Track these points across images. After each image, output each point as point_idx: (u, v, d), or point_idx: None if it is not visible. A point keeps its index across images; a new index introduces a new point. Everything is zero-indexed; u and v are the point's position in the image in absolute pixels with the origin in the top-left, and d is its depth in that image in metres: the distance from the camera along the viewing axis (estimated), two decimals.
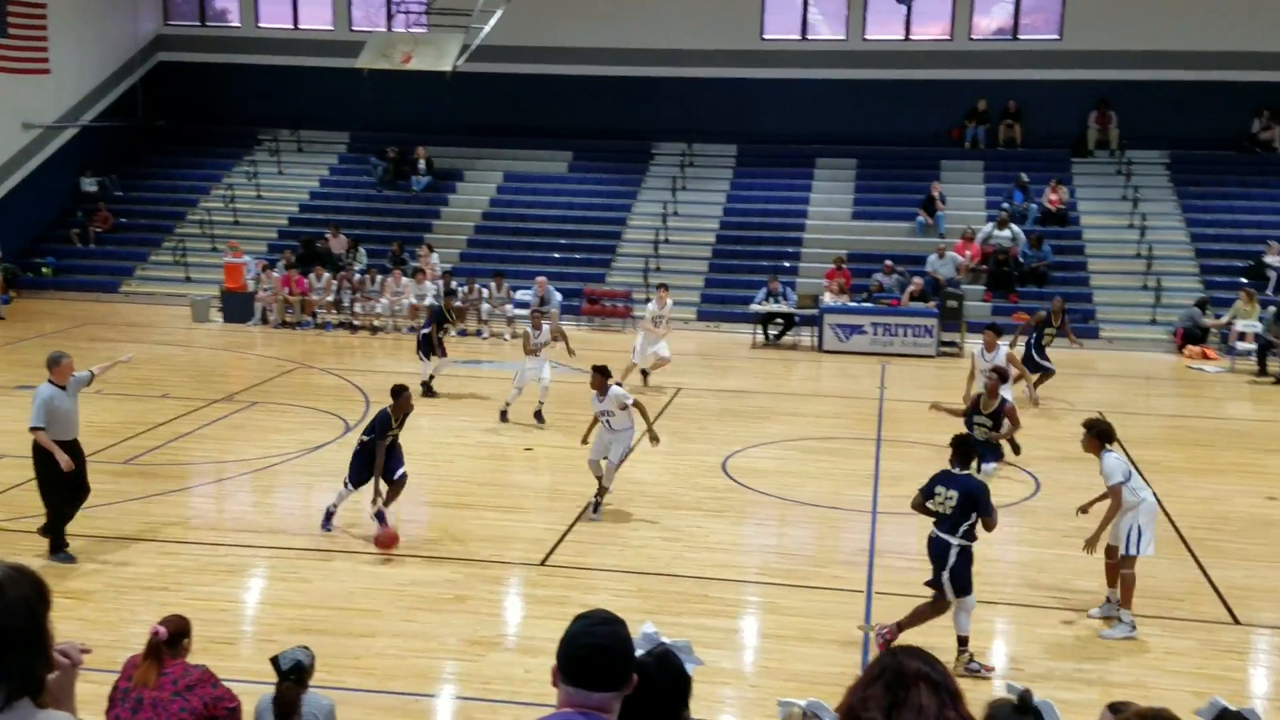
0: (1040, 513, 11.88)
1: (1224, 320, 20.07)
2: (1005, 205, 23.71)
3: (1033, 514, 11.88)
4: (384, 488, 10.65)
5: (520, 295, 21.97)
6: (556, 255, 24.43)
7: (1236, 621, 9.17)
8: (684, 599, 9.44)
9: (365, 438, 10.81)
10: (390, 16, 26.99)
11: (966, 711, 2.05)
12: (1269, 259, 21.49)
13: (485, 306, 21.66)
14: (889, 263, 22.06)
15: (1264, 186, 24.07)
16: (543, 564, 10.22)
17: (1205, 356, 19.90)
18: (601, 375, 11.54)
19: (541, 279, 21.73)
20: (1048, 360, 16.92)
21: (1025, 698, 3.10)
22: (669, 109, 26.85)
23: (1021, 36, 25.97)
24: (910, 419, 15.72)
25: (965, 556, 8.31)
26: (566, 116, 27.10)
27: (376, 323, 21.86)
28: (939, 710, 1.89)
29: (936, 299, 21.04)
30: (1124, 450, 10.95)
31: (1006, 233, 22.81)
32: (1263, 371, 18.88)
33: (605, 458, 11.48)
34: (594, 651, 2.98)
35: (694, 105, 26.76)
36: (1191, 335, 20.32)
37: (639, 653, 3.35)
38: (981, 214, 24.04)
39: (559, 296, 21.77)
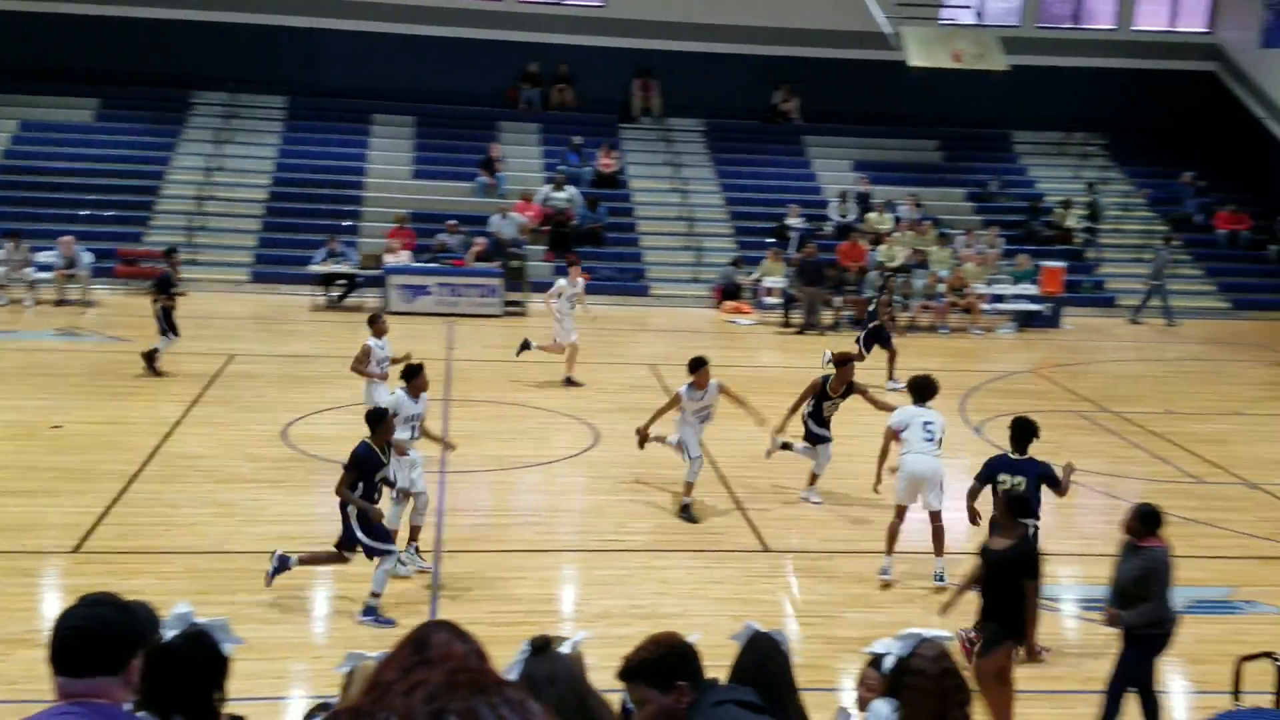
0: (599, 463, 12.77)
1: (754, 277, 22.24)
2: (562, 167, 24.80)
3: (592, 464, 12.75)
4: None
5: (42, 257, 20.17)
6: (84, 213, 22.50)
7: (766, 549, 10.44)
8: (240, 575, 9.11)
9: None
10: None
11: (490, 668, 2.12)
12: (790, 221, 24.00)
13: (1, 269, 19.74)
14: (453, 222, 22.42)
15: (785, 154, 26.78)
16: (77, 550, 9.64)
17: (740, 311, 21.97)
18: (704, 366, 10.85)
19: (67, 238, 20.06)
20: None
21: (538, 642, 3.59)
22: (209, 55, 25.29)
23: (566, 1, 27.00)
24: (478, 378, 16.25)
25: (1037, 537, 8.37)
26: (92, 59, 24.86)
27: None
28: (463, 659, 2.01)
29: (500, 259, 21.69)
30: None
31: (564, 194, 23.89)
32: (787, 323, 21.15)
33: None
34: (70, 635, 2.84)
35: (238, 51, 25.42)
36: (728, 291, 22.35)
37: (170, 634, 3.30)
38: (540, 175, 24.98)
39: (89, 258, 20.23)
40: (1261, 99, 26.01)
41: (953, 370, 17.80)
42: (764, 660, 4.03)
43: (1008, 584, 7.20)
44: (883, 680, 4.29)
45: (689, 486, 11.09)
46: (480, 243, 22.02)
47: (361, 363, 12.11)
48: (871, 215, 24.04)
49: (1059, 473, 8.80)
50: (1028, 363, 18.70)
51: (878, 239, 23.03)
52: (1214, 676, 7.84)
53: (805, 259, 21.10)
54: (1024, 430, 8.79)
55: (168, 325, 15.40)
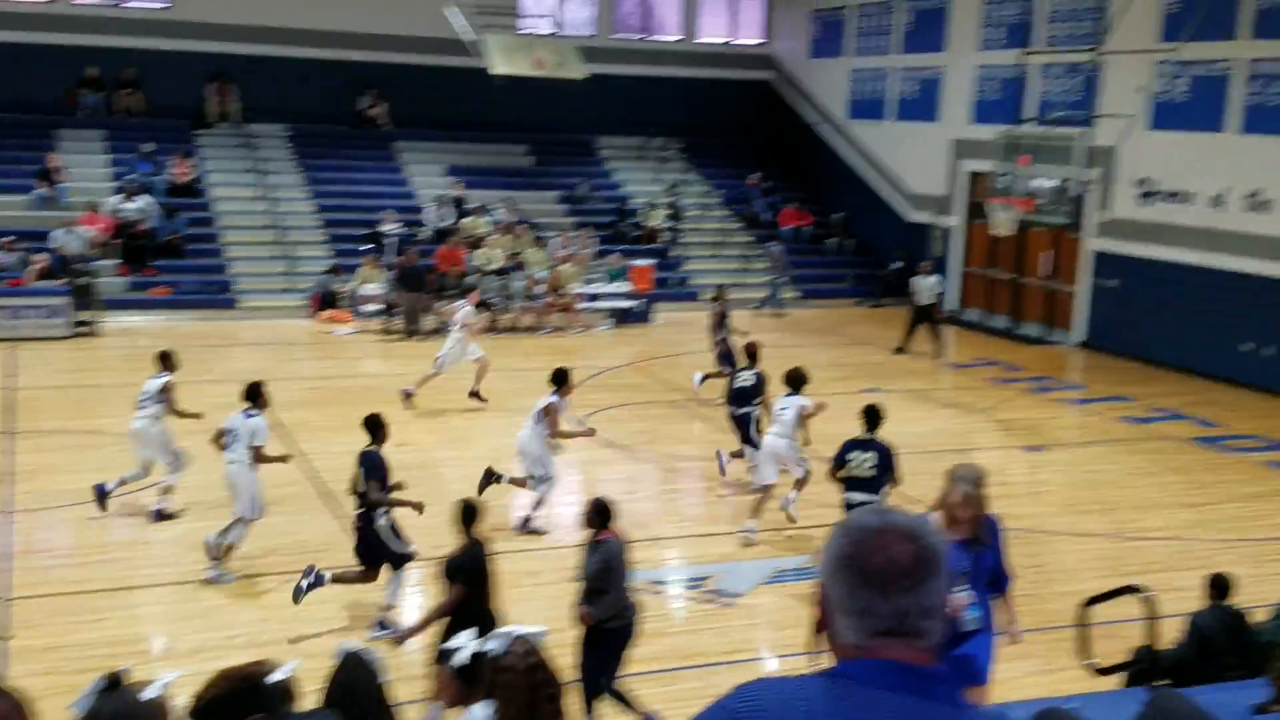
0: (187, 488, 11.94)
1: (352, 285, 21.71)
2: (133, 176, 23.08)
3: (180, 490, 11.91)
4: None
5: None
6: None
7: None
8: None
9: None
10: None
11: None
12: (385, 227, 23.64)
13: None
14: (8, 239, 20.32)
15: (376, 160, 26.37)
16: None
17: (338, 320, 21.40)
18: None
19: None
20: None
21: (108, 678, 3.32)
22: None
23: (130, 4, 25.25)
24: (48, 407, 14.82)
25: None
26: None
27: None
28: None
29: (66, 276, 19.87)
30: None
31: (136, 204, 22.24)
32: (388, 331, 20.83)
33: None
34: None
35: None
36: (325, 300, 21.70)
37: None
38: (108, 185, 23.14)
39: None
40: (811, 104, 28.57)
41: (555, 368, 18.26)
42: (353, 680, 3.97)
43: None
44: (452, 677, 4.35)
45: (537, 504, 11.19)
46: (42, 260, 20.07)
47: None
48: (468, 219, 24.17)
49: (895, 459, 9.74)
50: (625, 357, 19.49)
51: (476, 243, 23.19)
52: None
53: (405, 265, 20.86)
54: (873, 414, 9.87)
55: None
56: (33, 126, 23.91)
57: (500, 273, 22.07)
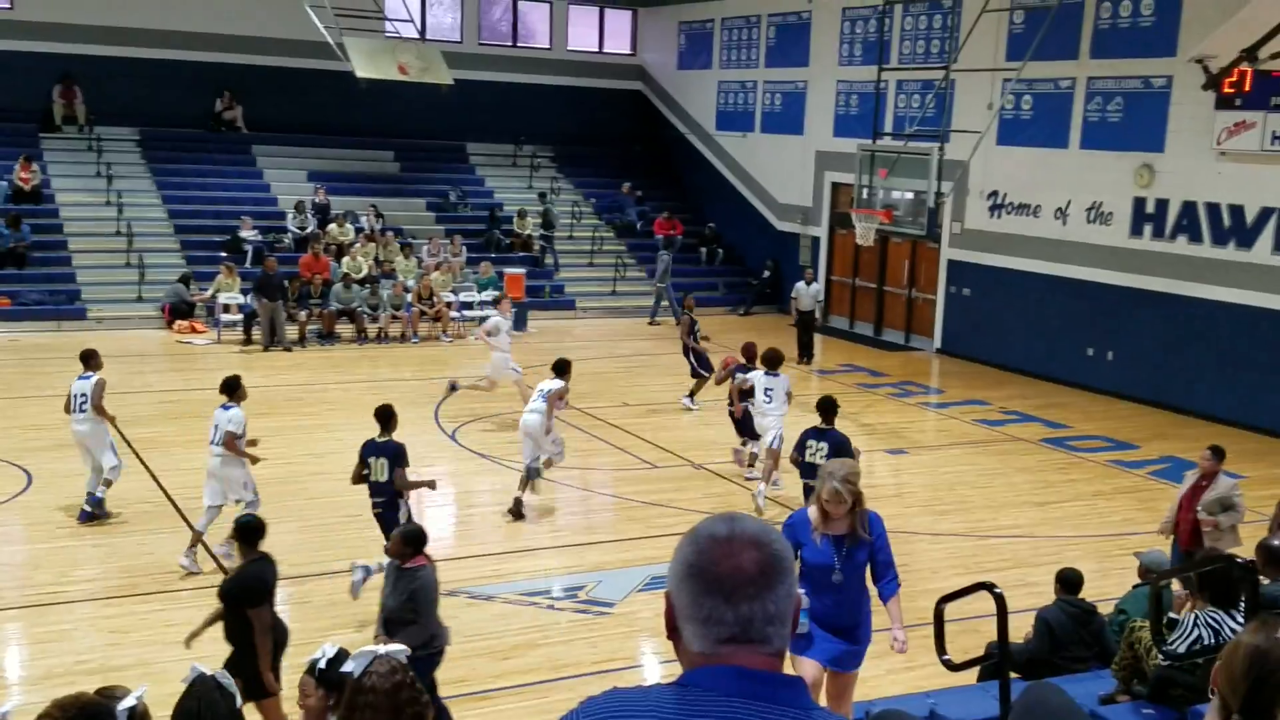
0: (33, 508, 11.36)
1: (208, 294, 20.96)
2: None
3: (25, 509, 11.31)
4: None
5: None
6: None
7: None
8: None
9: None
10: None
11: None
12: (244, 233, 22.92)
13: None
14: None
15: (233, 165, 25.55)
16: None
17: (194, 330, 20.63)
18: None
19: None
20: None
21: None
22: None
23: None
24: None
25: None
26: None
27: None
28: None
29: None
30: None
31: None
32: (249, 340, 20.17)
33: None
34: None
35: None
36: (179, 310, 20.89)
37: None
38: None
39: None
40: (681, 115, 28.75)
41: (425, 378, 17.94)
42: (202, 705, 3.75)
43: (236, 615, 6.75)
44: (316, 686, 4.18)
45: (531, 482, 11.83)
46: None
47: None
48: (332, 227, 23.59)
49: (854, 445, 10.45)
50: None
51: (340, 250, 22.64)
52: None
53: (264, 273, 20.22)
54: (828, 407, 10.56)
55: None
56: None
57: (367, 281, 21.58)
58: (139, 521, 11.04)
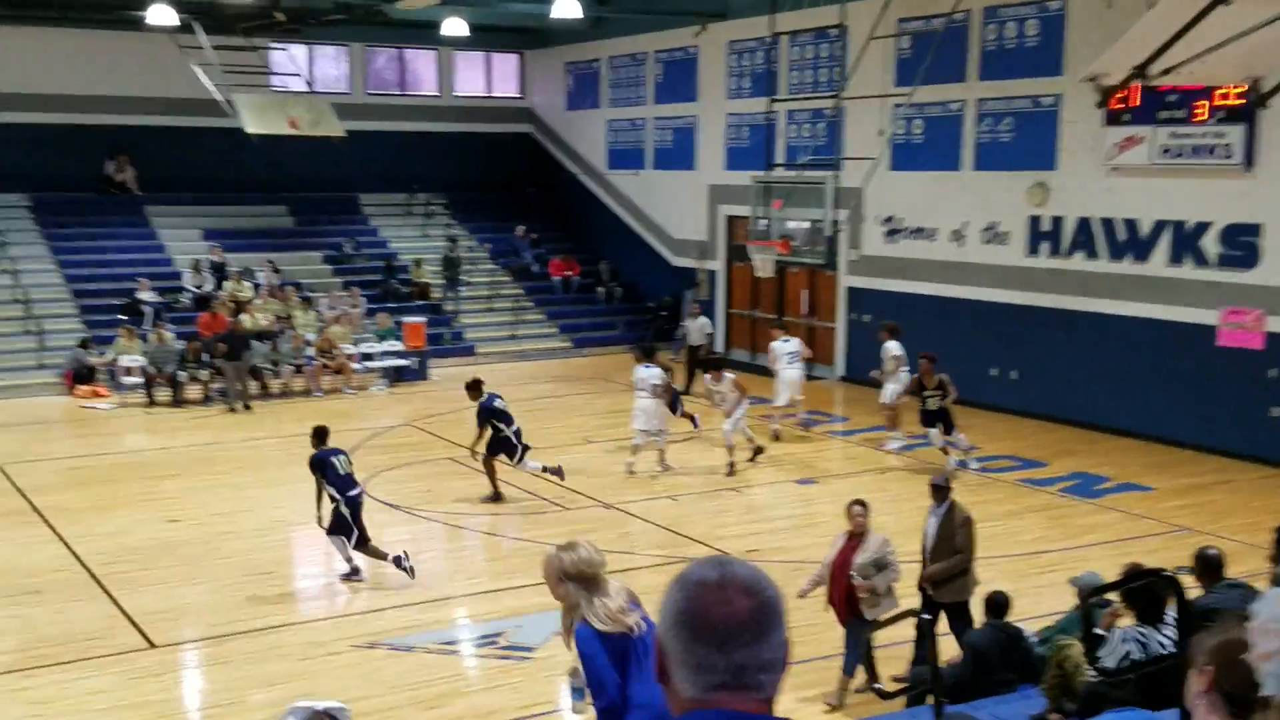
0: None
1: (109, 358, 20.85)
2: None
3: None
4: None
5: None
6: None
7: (153, 645, 9.89)
8: None
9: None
10: None
11: None
12: (141, 295, 22.83)
13: None
14: None
15: (127, 226, 25.43)
16: None
17: (97, 394, 20.50)
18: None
19: None
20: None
21: None
22: None
23: None
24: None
25: None
26: None
27: None
28: None
29: None
30: None
31: None
32: (152, 402, 20.12)
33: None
34: None
35: None
36: (80, 375, 20.75)
37: None
38: None
39: None
40: (572, 155, 29.29)
41: (331, 432, 18.02)
42: None
43: None
44: None
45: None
46: None
47: None
48: (229, 283, 23.62)
49: None
50: (402, 416, 19.41)
51: (239, 307, 22.68)
52: None
53: (230, 332, 20.28)
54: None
55: None
56: None
57: (267, 336, 21.66)
58: (54, 590, 11.10)
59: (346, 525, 11.16)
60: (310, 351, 21.61)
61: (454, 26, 24.32)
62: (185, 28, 22.23)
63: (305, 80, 25.58)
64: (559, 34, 27.26)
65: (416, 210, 28.49)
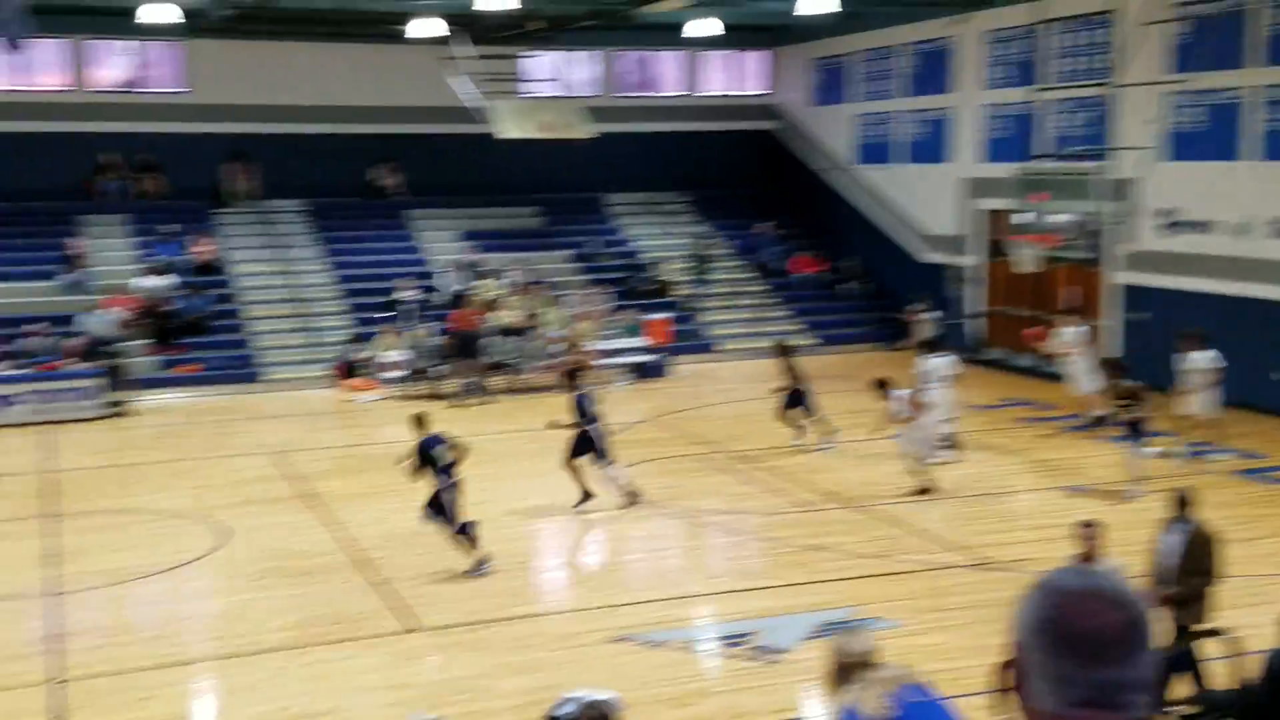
0: (227, 562, 12.17)
1: (373, 353, 21.99)
2: (156, 257, 23.54)
3: (220, 564, 12.13)
4: None
5: None
6: None
7: (415, 629, 10.28)
8: None
9: None
10: None
11: None
12: (403, 294, 23.98)
13: None
14: (39, 325, 20.73)
15: (390, 229, 26.80)
16: None
17: (361, 387, 21.65)
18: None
19: None
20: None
21: None
22: None
23: (147, 89, 25.88)
24: (90, 487, 15.07)
25: None
26: None
27: None
28: None
29: (99, 358, 20.22)
30: None
31: (161, 284, 22.68)
32: (411, 395, 21.04)
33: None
34: None
35: None
36: (347, 369, 21.98)
37: None
38: (132, 268, 23.57)
39: None
40: (818, 151, 28.90)
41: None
42: None
43: None
44: None
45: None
46: (74, 343, 20.47)
47: None
48: (482, 282, 24.50)
49: None
50: (645, 412, 19.59)
51: (490, 305, 23.48)
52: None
53: (461, 330, 21.17)
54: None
55: None
56: (56, 214, 24.43)
57: (516, 333, 22.34)
58: (326, 572, 11.71)
59: (446, 510, 11.51)
60: (557, 348, 22.14)
61: (703, 26, 24.41)
62: (446, 39, 23.19)
63: (556, 85, 26.24)
64: (807, 30, 26.95)
65: (660, 209, 28.79)
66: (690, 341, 24.59)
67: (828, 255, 27.52)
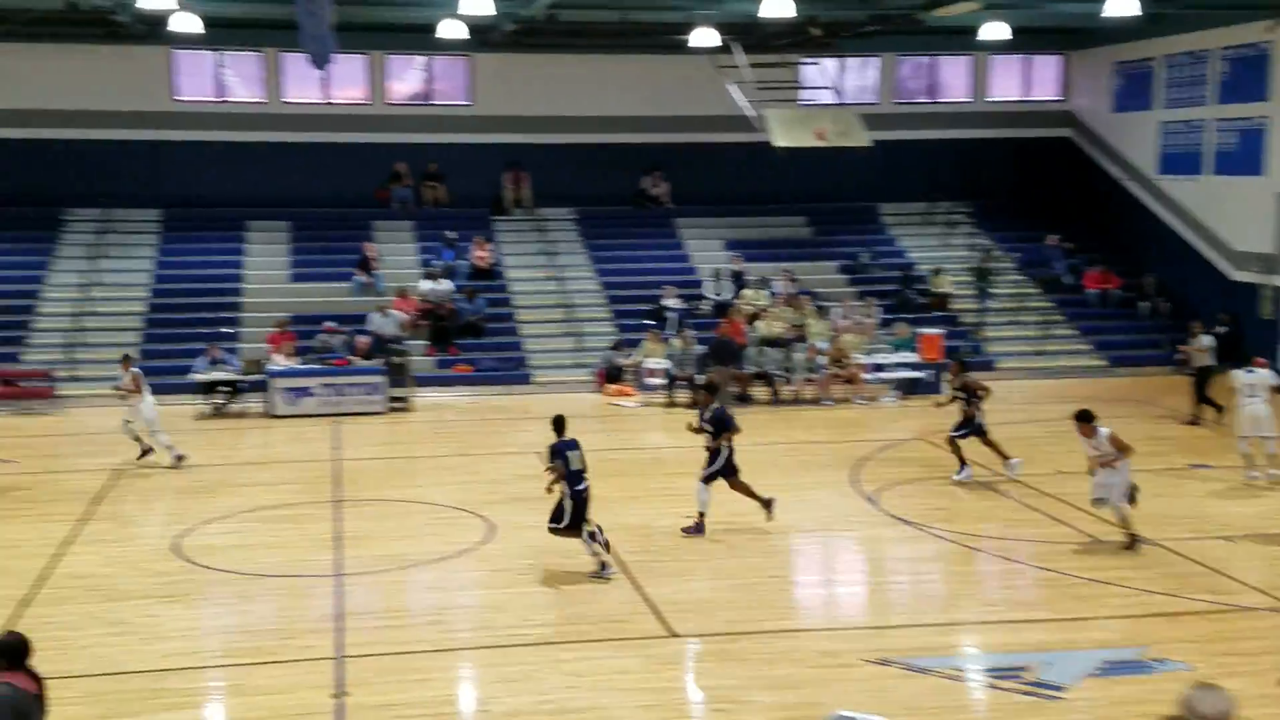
0: (494, 556, 12.42)
1: (634, 359, 22.22)
2: (437, 262, 24.67)
3: (487, 558, 12.39)
4: None
5: None
6: None
7: (673, 634, 10.15)
8: (139, 696, 8.81)
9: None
10: None
11: None
12: (667, 302, 24.14)
13: None
14: (331, 324, 22.07)
15: (657, 238, 27.09)
16: None
17: (624, 393, 21.89)
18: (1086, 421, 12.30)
19: None
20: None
21: None
22: (78, 173, 25.12)
23: (435, 102, 27.16)
24: (371, 476, 15.83)
25: None
26: None
27: None
28: None
29: (382, 356, 21.33)
30: None
31: (441, 288, 23.74)
32: (672, 403, 21.12)
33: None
34: None
35: (107, 168, 25.25)
36: (610, 374, 22.28)
37: None
38: (416, 271, 24.80)
39: None
40: (1118, 161, 27.20)
41: (840, 441, 17.95)
42: None
43: None
44: None
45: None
46: (364, 341, 21.69)
47: None
48: (748, 292, 24.33)
49: None
50: (913, 430, 18.87)
51: (755, 315, 23.27)
52: None
53: (719, 338, 21.17)
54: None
55: None
56: (352, 219, 26.04)
57: (781, 344, 22.01)
58: (583, 573, 11.72)
59: (563, 516, 11.44)
60: (822, 360, 21.68)
61: (994, 30, 23.39)
62: (723, 48, 23.19)
63: (834, 92, 25.81)
64: (1108, 33, 25.44)
65: (938, 219, 27.82)
66: (967, 358, 23.52)
67: (1123, 270, 25.84)
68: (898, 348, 22.49)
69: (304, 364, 20.92)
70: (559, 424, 11.81)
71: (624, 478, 15.84)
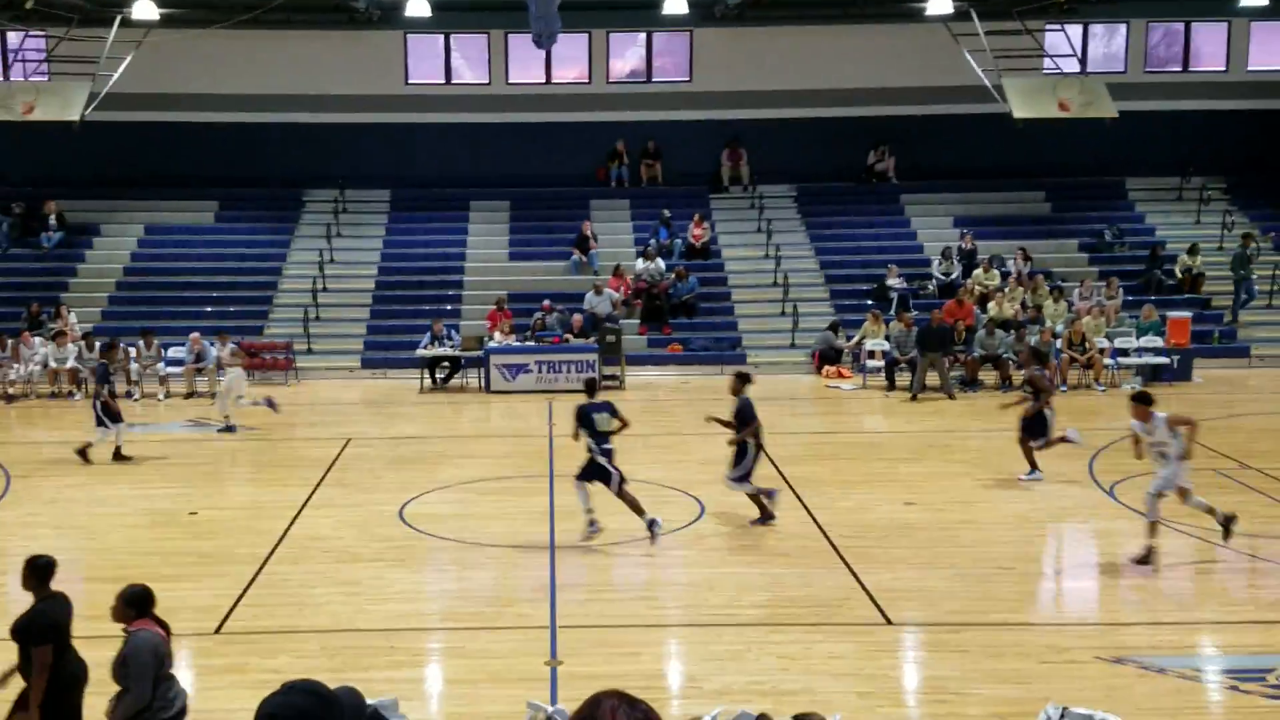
0: (706, 535, 12.26)
1: (855, 341, 21.62)
2: (653, 240, 24.66)
3: (699, 536, 12.24)
4: None
5: (172, 353, 21.06)
6: (209, 309, 23.31)
7: (889, 622, 9.76)
8: (370, 653, 9.16)
9: None
10: (7, 66, 25.03)
11: None
12: (890, 281, 23.38)
13: (134, 366, 20.30)
14: (547, 302, 22.37)
15: (881, 214, 26.26)
16: (217, 632, 9.63)
17: (840, 375, 21.35)
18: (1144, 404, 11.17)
19: (195, 335, 20.76)
20: None
21: None
22: (318, 155, 26.32)
23: (655, 79, 27.14)
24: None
25: None
26: (209, 165, 26.07)
27: (11, 390, 20.09)
28: None
29: (596, 334, 21.48)
30: None
31: (656, 266, 23.71)
32: (892, 387, 20.45)
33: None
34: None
35: (343, 151, 26.37)
36: (827, 356, 21.75)
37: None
38: (631, 250, 24.86)
39: (215, 352, 20.59)
40: None
41: (1087, 429, 16.92)
42: None
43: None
44: None
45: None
46: (578, 319, 21.91)
47: None
48: (978, 272, 23.31)
49: None
50: None
51: (985, 296, 22.27)
52: None
53: (931, 323, 20.42)
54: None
55: (106, 417, 15.41)
56: (570, 198, 26.33)
57: (1015, 326, 20.97)
58: (799, 555, 11.46)
59: (596, 472, 11.63)
60: (1058, 344, 20.54)
61: None
62: (960, 15, 22.20)
63: (1078, 60, 24.37)
64: None
65: (1190, 195, 25.98)
66: (1219, 344, 21.92)
67: None
68: (1142, 332, 21.10)
69: (521, 341, 21.29)
70: (590, 386, 12.16)
71: (838, 461, 15.49)
